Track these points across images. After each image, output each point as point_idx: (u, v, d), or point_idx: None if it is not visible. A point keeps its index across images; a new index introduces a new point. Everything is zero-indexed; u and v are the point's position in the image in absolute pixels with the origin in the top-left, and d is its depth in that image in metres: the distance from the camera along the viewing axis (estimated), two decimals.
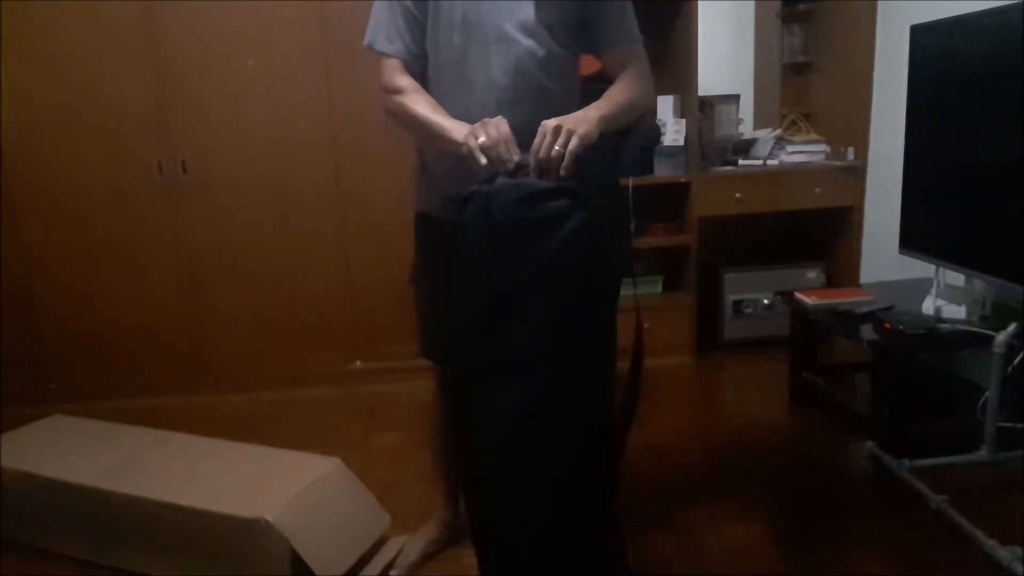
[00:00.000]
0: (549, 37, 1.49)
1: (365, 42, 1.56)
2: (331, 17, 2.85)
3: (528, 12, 1.46)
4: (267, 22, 2.85)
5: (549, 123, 1.29)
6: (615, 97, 1.48)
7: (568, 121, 1.31)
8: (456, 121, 1.41)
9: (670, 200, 3.26)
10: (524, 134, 1.34)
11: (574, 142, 1.28)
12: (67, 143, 2.90)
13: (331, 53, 2.88)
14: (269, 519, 1.66)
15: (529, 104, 1.48)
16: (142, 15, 2.81)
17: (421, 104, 1.49)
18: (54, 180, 2.93)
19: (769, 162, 3.29)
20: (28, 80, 2.84)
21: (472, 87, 1.49)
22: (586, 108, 1.39)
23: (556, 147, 1.27)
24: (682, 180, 3.14)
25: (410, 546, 1.91)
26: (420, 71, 1.56)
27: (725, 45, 3.44)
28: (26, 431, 2.24)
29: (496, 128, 1.29)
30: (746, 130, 3.45)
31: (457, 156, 1.37)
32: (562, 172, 1.28)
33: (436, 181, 1.62)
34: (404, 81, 1.52)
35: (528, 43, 1.47)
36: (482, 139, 1.29)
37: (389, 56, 1.53)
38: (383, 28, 1.53)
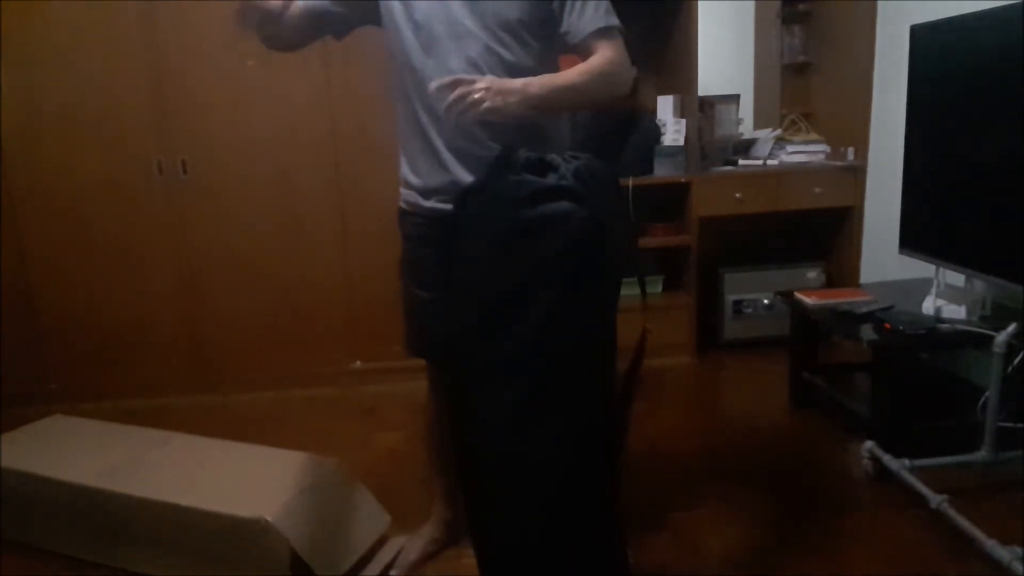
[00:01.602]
0: (510, 34, 1.47)
1: None
2: None
3: (487, 9, 1.45)
4: None
5: (485, 79, 1.31)
6: (564, 78, 1.45)
7: (501, 86, 1.32)
8: None
9: (670, 200, 3.26)
10: (486, 130, 1.34)
11: (484, 107, 1.30)
12: (67, 143, 2.90)
13: (331, 53, 2.87)
14: (269, 519, 1.66)
15: None
16: (142, 15, 2.81)
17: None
18: (54, 180, 2.93)
19: (769, 162, 3.29)
20: (28, 80, 2.84)
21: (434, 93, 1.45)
22: (528, 81, 1.38)
23: (472, 97, 1.29)
24: (682, 180, 3.13)
25: (410, 546, 1.91)
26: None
27: (725, 45, 3.44)
28: (26, 431, 2.24)
29: None
30: (746, 130, 3.45)
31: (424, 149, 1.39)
32: (456, 119, 1.30)
33: (414, 176, 1.62)
34: None
35: (488, 40, 1.46)
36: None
37: None
38: None
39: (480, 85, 1.31)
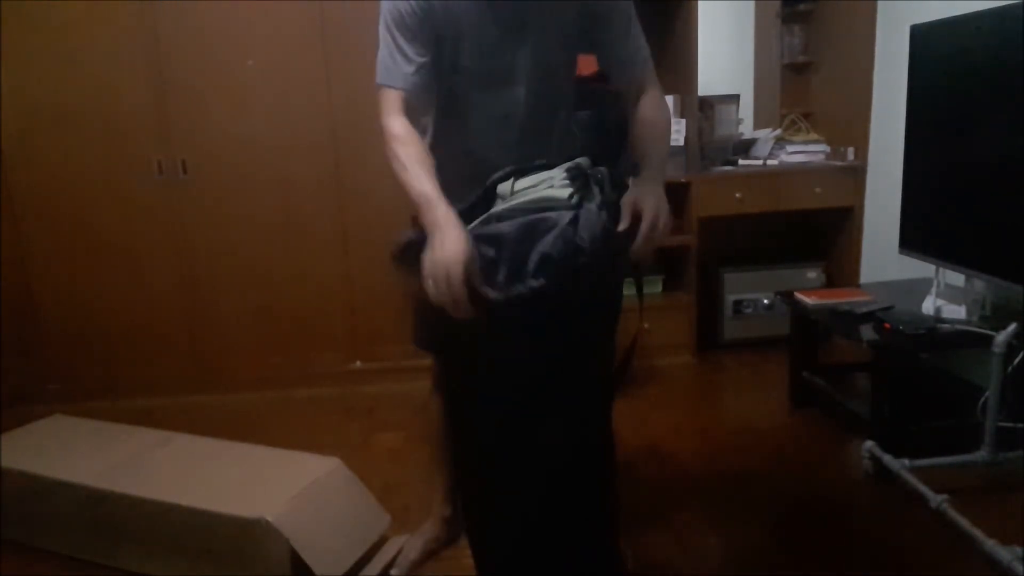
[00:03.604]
0: (553, 74, 1.50)
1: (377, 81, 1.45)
2: (331, 17, 2.85)
3: (533, 56, 1.45)
4: (267, 22, 2.85)
5: (647, 210, 1.32)
6: (657, 156, 1.48)
7: (661, 209, 1.35)
8: (442, 206, 1.26)
9: (670, 200, 3.22)
10: (528, 166, 1.36)
11: (667, 231, 1.36)
12: (66, 143, 2.90)
13: (331, 53, 2.88)
14: (269, 519, 1.66)
15: (535, 140, 1.50)
16: (142, 15, 2.80)
17: (412, 164, 1.36)
18: (54, 180, 2.93)
19: (769, 162, 3.29)
20: (28, 80, 2.84)
21: (478, 129, 1.49)
22: (650, 185, 1.41)
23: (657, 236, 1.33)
24: (682, 180, 3.13)
25: (410, 545, 1.91)
26: (424, 100, 1.47)
27: (725, 45, 3.44)
28: (26, 431, 2.24)
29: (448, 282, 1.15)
30: (746, 130, 3.44)
31: (459, 171, 1.40)
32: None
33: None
34: (398, 126, 1.40)
35: (534, 86, 1.47)
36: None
37: (388, 87, 1.41)
38: (384, 62, 1.43)
39: (659, 221, 1.35)
